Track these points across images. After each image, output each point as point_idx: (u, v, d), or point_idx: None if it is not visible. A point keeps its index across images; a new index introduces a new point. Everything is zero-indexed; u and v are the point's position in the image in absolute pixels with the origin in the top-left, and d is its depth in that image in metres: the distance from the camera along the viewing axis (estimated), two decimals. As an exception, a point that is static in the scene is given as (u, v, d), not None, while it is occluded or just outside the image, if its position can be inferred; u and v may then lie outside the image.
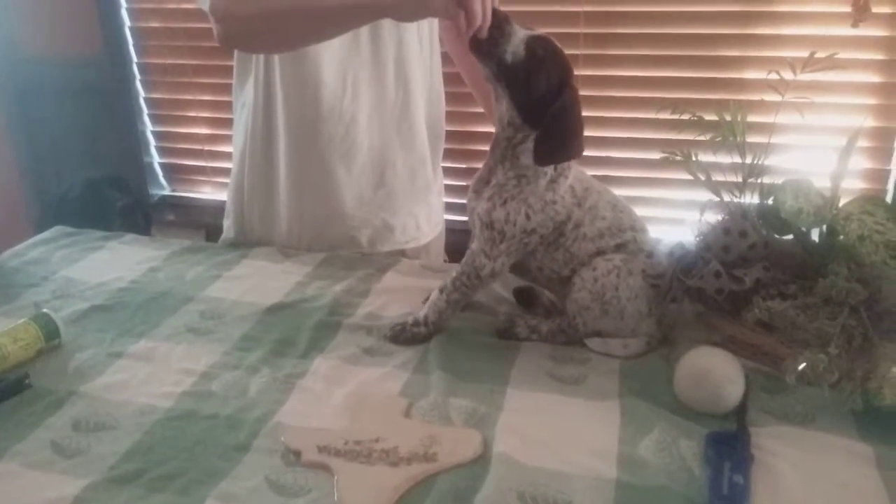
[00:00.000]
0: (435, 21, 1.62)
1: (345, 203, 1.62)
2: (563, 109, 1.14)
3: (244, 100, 1.60)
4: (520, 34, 1.13)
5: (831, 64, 1.15)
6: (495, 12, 1.13)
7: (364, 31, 1.51)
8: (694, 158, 1.23)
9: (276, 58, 1.51)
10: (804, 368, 1.02)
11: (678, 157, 1.23)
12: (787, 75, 1.18)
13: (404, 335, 1.24)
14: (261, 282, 1.49)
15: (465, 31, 1.13)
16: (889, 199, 2.12)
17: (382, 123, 1.59)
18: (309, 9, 1.27)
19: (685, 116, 1.21)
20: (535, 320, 1.26)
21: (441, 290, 1.24)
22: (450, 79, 1.74)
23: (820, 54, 1.16)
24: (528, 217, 1.17)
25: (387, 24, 1.51)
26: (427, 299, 1.29)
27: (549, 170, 1.18)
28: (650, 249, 1.22)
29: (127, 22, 2.69)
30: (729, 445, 0.98)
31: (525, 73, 1.13)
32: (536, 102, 1.14)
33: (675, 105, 1.24)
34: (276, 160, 1.60)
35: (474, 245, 1.22)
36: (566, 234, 1.20)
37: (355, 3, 1.23)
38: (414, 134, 1.64)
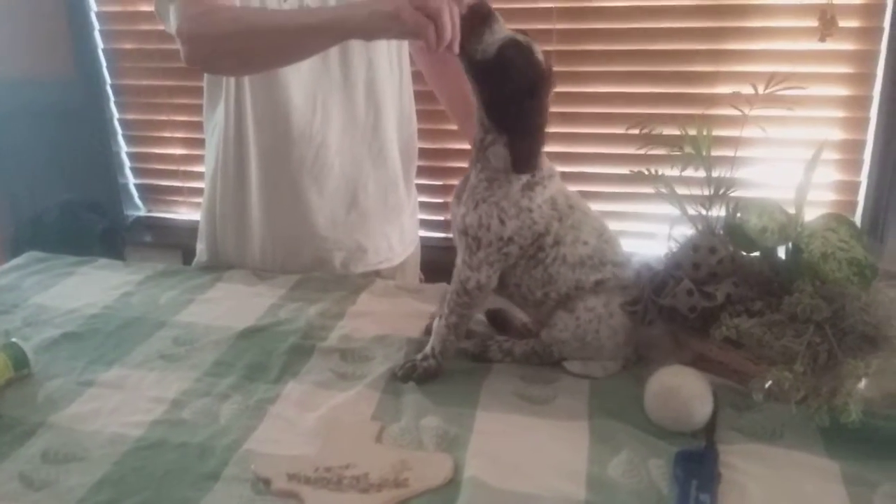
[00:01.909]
0: (404, 41, 1.63)
1: (317, 225, 1.62)
2: (530, 112, 1.13)
3: (215, 123, 1.60)
4: (500, 34, 1.11)
5: (792, 82, 1.17)
6: (480, 3, 1.11)
7: (333, 53, 1.51)
8: (661, 174, 1.24)
9: (245, 81, 1.51)
10: (771, 386, 1.03)
11: (646, 172, 1.24)
12: (758, 90, 1.20)
13: (417, 373, 1.20)
14: (234, 305, 1.48)
15: (434, 48, 1.10)
16: (860, 211, 2.18)
17: (353, 145, 1.60)
18: (275, 30, 1.26)
19: (654, 132, 1.21)
20: (509, 343, 1.26)
21: (440, 317, 1.22)
22: (423, 96, 1.75)
23: (788, 68, 1.17)
24: (502, 222, 1.15)
25: (356, 46, 1.52)
26: (427, 328, 1.30)
27: (525, 175, 1.16)
28: (628, 283, 1.22)
29: (100, 44, 2.69)
30: (697, 464, 0.98)
31: (492, 72, 1.11)
32: (503, 104, 1.13)
33: (642, 121, 1.25)
34: (247, 183, 1.60)
35: (458, 259, 1.21)
36: (545, 249, 1.18)
37: (321, 24, 1.22)
38: (385, 155, 1.65)
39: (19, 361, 1.23)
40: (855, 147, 2.21)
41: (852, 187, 2.25)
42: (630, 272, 1.22)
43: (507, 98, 1.12)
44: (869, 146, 2.20)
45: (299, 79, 1.50)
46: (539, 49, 1.14)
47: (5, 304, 1.50)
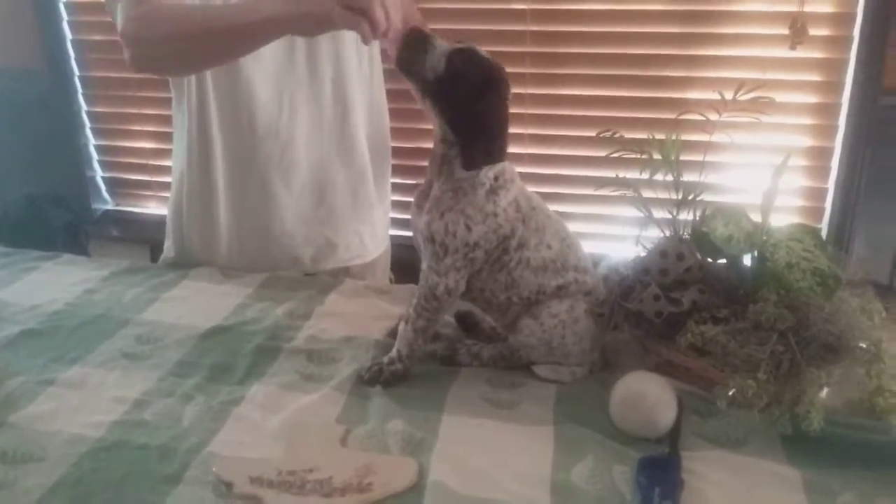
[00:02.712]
0: None
1: (286, 222, 1.61)
2: (483, 113, 1.13)
3: (181, 118, 1.58)
4: (441, 49, 1.12)
5: (763, 90, 1.18)
6: (415, 30, 1.13)
7: (300, 48, 1.50)
8: (627, 177, 1.24)
9: (208, 77, 1.49)
10: (734, 393, 1.04)
11: (614, 177, 1.25)
12: (726, 97, 1.21)
13: (383, 376, 1.20)
14: (200, 304, 1.47)
15: (369, 39, 1.12)
16: (827, 217, 2.20)
17: (321, 141, 1.59)
18: (211, 31, 1.25)
19: (629, 153, 1.22)
20: (477, 346, 1.26)
21: (406, 321, 1.22)
22: (397, 95, 1.74)
23: (758, 75, 1.18)
24: (468, 228, 1.15)
25: (324, 40, 1.51)
26: (391, 331, 1.29)
27: (488, 181, 1.16)
28: (590, 288, 1.22)
29: (69, 35, 2.64)
30: (660, 470, 0.99)
31: (446, 87, 1.12)
32: (463, 112, 1.13)
33: (611, 125, 1.25)
34: (214, 181, 1.58)
35: (424, 265, 1.21)
36: (510, 252, 1.18)
37: (256, 24, 1.21)
38: (354, 151, 1.64)
39: (-22, 359, 1.20)
40: (823, 154, 2.24)
41: (819, 194, 2.28)
42: (592, 278, 1.23)
43: (467, 104, 1.12)
44: (837, 153, 2.22)
45: (264, 74, 1.49)
46: (482, 49, 1.15)
47: (-34, 300, 1.48)
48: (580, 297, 1.21)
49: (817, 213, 2.29)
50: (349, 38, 1.55)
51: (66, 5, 2.61)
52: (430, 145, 2.42)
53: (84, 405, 1.15)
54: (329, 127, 1.58)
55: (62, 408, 1.14)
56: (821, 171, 2.25)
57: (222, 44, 1.28)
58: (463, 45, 1.14)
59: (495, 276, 1.20)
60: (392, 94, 1.73)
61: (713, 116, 1.21)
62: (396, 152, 1.82)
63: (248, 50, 1.34)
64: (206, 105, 1.51)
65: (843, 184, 2.22)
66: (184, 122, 1.57)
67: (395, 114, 1.77)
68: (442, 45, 1.12)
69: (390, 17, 1.12)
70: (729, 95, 1.18)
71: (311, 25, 1.18)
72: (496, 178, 1.17)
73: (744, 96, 1.16)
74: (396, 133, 1.80)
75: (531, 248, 1.19)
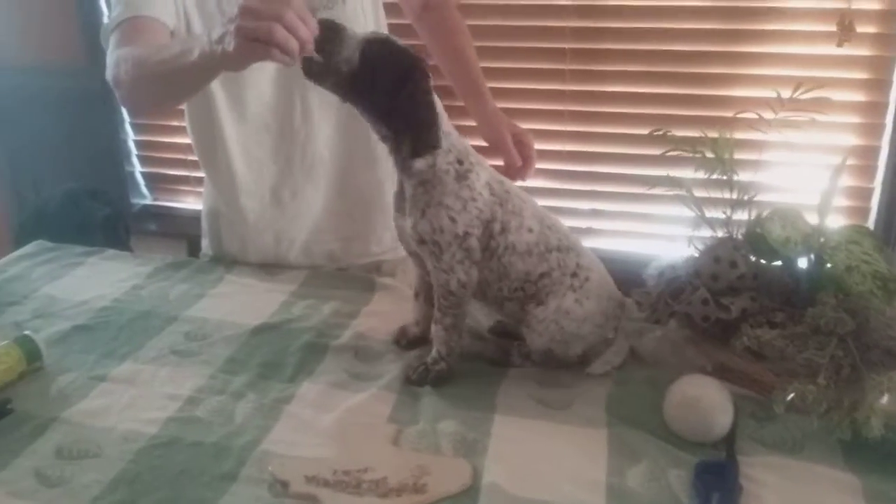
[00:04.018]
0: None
1: (318, 218, 1.61)
2: (409, 100, 1.09)
3: (194, 123, 1.59)
4: (355, 40, 1.07)
5: (821, 89, 1.16)
6: (322, 23, 1.05)
7: None
8: (680, 177, 1.23)
9: (213, 92, 1.49)
10: (793, 398, 1.02)
11: (667, 176, 1.23)
12: (781, 95, 1.19)
13: (430, 376, 1.20)
14: (245, 301, 1.47)
15: (289, 63, 1.03)
16: (873, 217, 2.17)
17: (342, 137, 1.58)
18: (162, 74, 1.23)
19: (682, 152, 1.20)
20: (527, 347, 1.25)
21: (435, 322, 1.21)
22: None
23: (804, 73, 1.16)
24: (452, 220, 1.14)
25: None
26: (396, 337, 1.32)
27: (451, 167, 1.14)
28: (574, 268, 1.21)
29: (109, 30, 2.66)
30: (718, 475, 0.98)
31: (366, 75, 1.07)
32: (389, 101, 1.09)
33: (663, 124, 1.24)
34: (235, 185, 1.59)
35: (429, 266, 1.20)
36: (495, 237, 1.17)
37: (191, 63, 1.14)
38: (378, 145, 1.61)
39: (32, 354, 1.22)
40: (869, 153, 2.20)
41: (865, 193, 2.24)
42: (575, 255, 1.22)
43: (391, 92, 1.09)
44: (884, 152, 2.18)
45: (268, 77, 1.49)
46: (396, 38, 1.12)
47: (15, 295, 1.49)
48: (564, 290, 1.19)
49: (863, 212, 2.25)
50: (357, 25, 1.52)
51: (107, 2, 2.63)
52: (464, 122, 2.42)
53: (136, 401, 1.16)
54: (348, 122, 1.56)
55: (115, 404, 1.15)
56: (867, 171, 2.22)
57: (174, 85, 1.26)
58: (374, 33, 1.11)
59: (487, 264, 1.19)
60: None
61: (768, 115, 1.19)
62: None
63: (198, 87, 1.32)
64: (215, 111, 1.51)
65: (889, 183, 2.18)
66: (197, 126, 1.58)
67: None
68: (354, 36, 1.07)
69: (299, 31, 1.01)
70: (785, 94, 1.16)
71: (234, 63, 1.09)
72: (460, 163, 1.15)
73: (802, 95, 1.14)
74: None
75: (513, 231, 1.18)
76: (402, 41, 1.11)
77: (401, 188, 1.20)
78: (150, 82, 1.27)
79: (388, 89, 1.09)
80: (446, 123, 1.16)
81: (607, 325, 1.23)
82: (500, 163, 1.54)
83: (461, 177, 1.15)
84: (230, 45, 1.02)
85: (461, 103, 1.61)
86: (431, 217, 1.14)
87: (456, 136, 1.17)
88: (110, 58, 1.31)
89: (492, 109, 1.57)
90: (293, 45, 1.00)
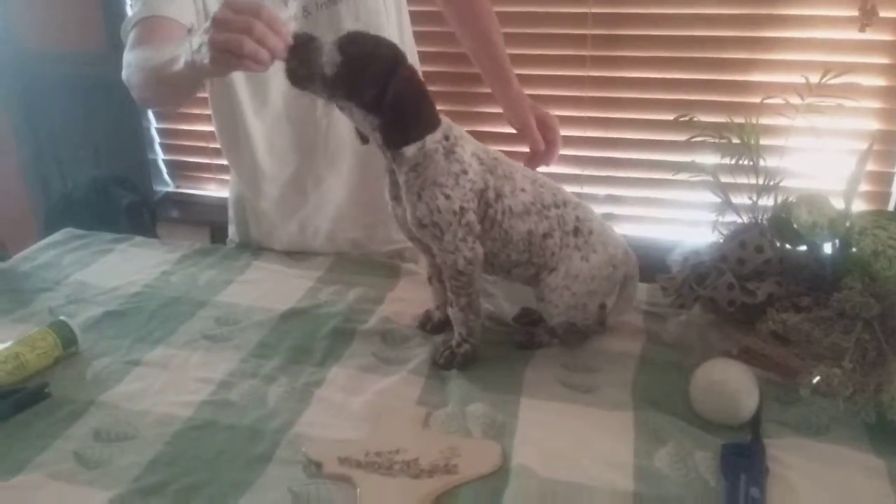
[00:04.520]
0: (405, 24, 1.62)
1: (341, 207, 1.63)
2: (398, 91, 1.10)
3: (217, 113, 1.61)
4: (329, 44, 1.08)
5: (849, 74, 1.16)
6: (295, 37, 1.06)
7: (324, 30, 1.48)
8: (706, 163, 1.24)
9: (236, 83, 1.50)
10: (819, 382, 1.03)
11: (693, 162, 1.24)
12: (810, 81, 1.19)
13: (457, 359, 1.22)
14: (273, 287, 1.50)
15: (260, 70, 1.05)
16: (893, 201, 2.16)
17: None
18: (158, 79, 1.25)
19: (707, 137, 1.21)
20: (551, 327, 1.27)
21: (451, 305, 1.23)
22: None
23: (825, 58, 1.16)
24: (447, 197, 1.15)
25: (347, 19, 1.49)
26: (421, 322, 1.34)
27: (439, 144, 1.15)
28: (574, 224, 1.22)
29: (132, 18, 2.68)
30: (744, 457, 0.99)
31: (350, 76, 1.09)
32: (380, 94, 1.10)
33: (687, 110, 1.24)
34: (259, 174, 1.61)
35: (434, 249, 1.21)
36: (491, 204, 1.18)
37: (179, 72, 1.15)
38: None
39: (68, 340, 1.24)
40: (890, 138, 2.19)
41: (886, 178, 2.24)
42: (573, 208, 1.23)
43: (379, 82, 1.09)
44: (905, 137, 2.18)
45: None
46: (367, 31, 1.13)
47: (47, 282, 1.52)
48: (570, 251, 1.21)
49: (883, 197, 2.25)
50: (380, 15, 1.53)
51: (129, -10, 2.66)
52: (487, 109, 2.42)
53: (170, 385, 1.19)
54: None
55: (149, 387, 1.18)
56: (888, 156, 2.21)
57: (170, 89, 1.29)
58: (346, 33, 1.11)
59: (489, 234, 1.20)
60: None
61: (794, 100, 1.19)
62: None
63: (192, 90, 1.33)
64: (237, 103, 1.53)
65: (910, 168, 2.18)
66: (220, 116, 1.59)
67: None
68: (326, 41, 1.08)
69: (269, 41, 1.02)
70: (813, 79, 1.17)
71: (213, 72, 1.12)
72: (446, 138, 1.16)
73: (831, 80, 1.14)
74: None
75: (508, 195, 1.19)
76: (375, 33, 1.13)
77: (392, 177, 1.21)
78: (150, 86, 1.30)
79: (376, 82, 1.09)
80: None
81: (616, 272, 1.25)
82: (526, 148, 1.56)
83: (449, 152, 1.16)
84: (206, 57, 1.04)
85: (487, 90, 1.62)
86: (427, 199, 1.15)
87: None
88: (124, 58, 1.33)
89: (517, 93, 1.58)
90: (263, 55, 1.02)
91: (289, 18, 1.43)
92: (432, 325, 1.33)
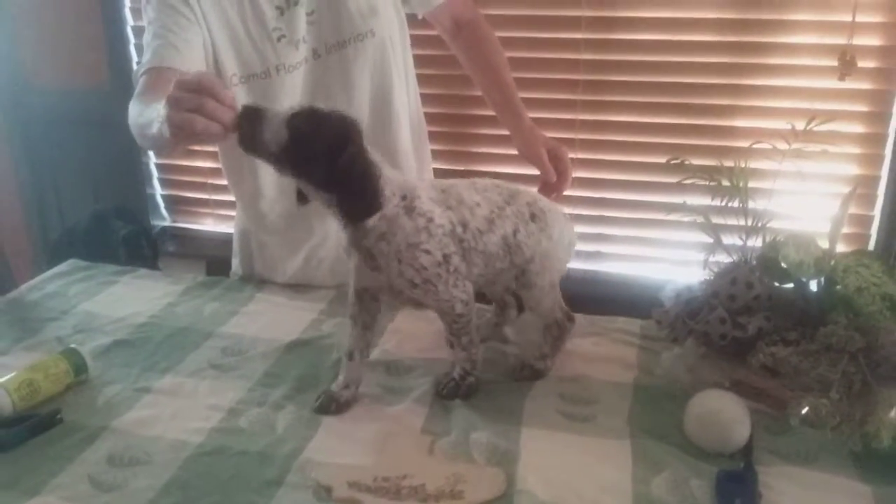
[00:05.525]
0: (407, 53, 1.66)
1: (341, 240, 1.66)
2: (349, 164, 1.09)
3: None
4: (279, 117, 1.07)
5: (833, 122, 1.23)
6: (245, 107, 1.08)
7: (333, 69, 1.53)
8: (697, 204, 1.30)
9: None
10: (807, 412, 1.08)
11: (684, 203, 1.30)
12: (788, 138, 1.26)
13: (461, 390, 1.25)
14: (277, 319, 1.53)
15: (219, 140, 1.09)
16: (872, 244, 2.23)
17: None
18: (140, 136, 1.31)
19: (699, 180, 1.27)
20: (539, 351, 1.33)
21: (452, 345, 1.26)
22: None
23: (807, 105, 1.23)
24: (427, 252, 1.16)
25: (359, 60, 1.53)
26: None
27: (399, 208, 1.15)
28: (528, 211, 1.26)
29: (134, 57, 2.73)
30: (738, 484, 1.03)
31: (297, 150, 1.08)
32: (329, 174, 1.09)
33: (677, 153, 1.30)
34: (269, 211, 1.66)
35: (430, 303, 1.23)
36: (463, 238, 1.20)
37: (154, 135, 1.19)
38: (399, 165, 1.62)
39: (79, 367, 1.28)
40: (869, 182, 2.27)
41: (865, 221, 2.31)
42: (524, 194, 1.28)
43: (328, 162, 1.09)
44: (883, 182, 2.26)
45: (293, 103, 1.52)
46: (320, 106, 1.12)
47: (54, 311, 1.55)
48: (537, 237, 1.26)
49: (863, 239, 2.32)
50: (388, 61, 1.57)
51: (133, 29, 2.71)
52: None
53: (180, 412, 1.22)
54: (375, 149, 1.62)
55: (160, 414, 1.21)
56: (867, 199, 2.29)
57: (153, 145, 1.33)
58: (299, 107, 1.11)
59: (474, 260, 1.22)
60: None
61: (781, 146, 1.26)
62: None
63: (173, 150, 1.42)
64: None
65: (889, 211, 2.25)
66: (225, 151, 1.64)
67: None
68: (276, 115, 1.08)
69: (221, 117, 1.04)
70: (799, 126, 1.24)
71: (178, 143, 1.18)
72: (403, 198, 1.16)
73: (816, 127, 1.21)
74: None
75: (470, 219, 1.21)
76: (329, 109, 1.12)
77: (362, 249, 1.18)
78: (139, 139, 1.34)
79: (324, 160, 1.08)
80: (380, 164, 1.15)
81: (567, 226, 1.33)
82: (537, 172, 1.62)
83: (410, 209, 1.16)
84: (167, 131, 1.09)
85: (488, 131, 1.67)
86: (409, 261, 1.16)
87: (388, 171, 1.16)
88: (130, 104, 1.37)
89: (528, 126, 1.64)
90: (214, 129, 1.04)
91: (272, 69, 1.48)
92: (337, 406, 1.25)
